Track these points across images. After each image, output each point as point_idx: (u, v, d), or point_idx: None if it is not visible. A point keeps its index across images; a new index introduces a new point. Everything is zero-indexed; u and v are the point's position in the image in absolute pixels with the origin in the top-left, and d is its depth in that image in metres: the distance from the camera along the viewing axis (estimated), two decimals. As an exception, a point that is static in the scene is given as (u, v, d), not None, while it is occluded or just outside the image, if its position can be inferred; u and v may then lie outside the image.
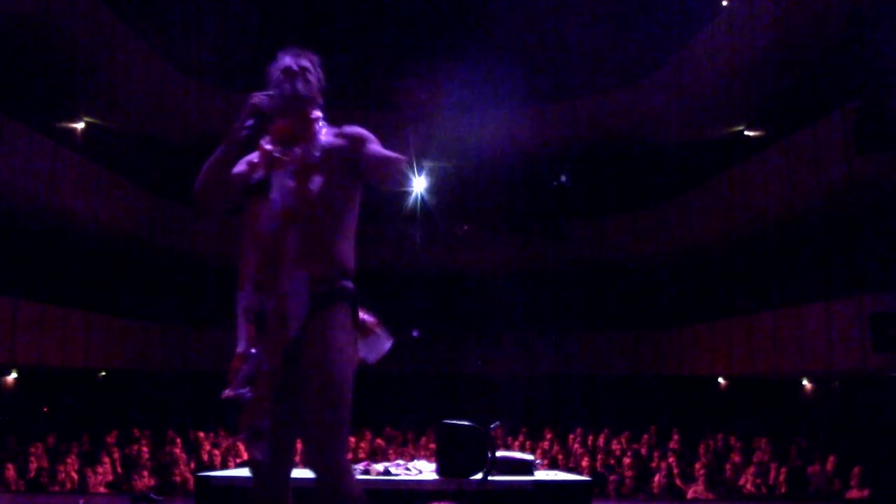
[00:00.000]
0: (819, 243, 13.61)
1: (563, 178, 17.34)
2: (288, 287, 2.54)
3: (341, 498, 2.46)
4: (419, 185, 14.97)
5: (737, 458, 11.62)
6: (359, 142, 2.72)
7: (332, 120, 3.21)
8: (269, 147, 2.73)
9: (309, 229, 2.60)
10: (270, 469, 2.57)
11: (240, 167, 2.77)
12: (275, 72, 2.76)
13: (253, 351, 2.57)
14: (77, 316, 14.15)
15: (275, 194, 2.62)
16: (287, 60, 2.76)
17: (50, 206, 12.93)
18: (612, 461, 12.43)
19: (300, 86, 2.72)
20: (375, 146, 2.72)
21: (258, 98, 2.66)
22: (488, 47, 16.86)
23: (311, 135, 2.73)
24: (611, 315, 18.08)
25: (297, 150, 2.69)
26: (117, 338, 15.45)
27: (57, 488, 10.42)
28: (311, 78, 2.78)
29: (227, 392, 2.54)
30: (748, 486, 10.82)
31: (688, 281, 17.08)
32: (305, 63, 2.78)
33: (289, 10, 17.59)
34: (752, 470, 11.00)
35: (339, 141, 2.74)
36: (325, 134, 2.76)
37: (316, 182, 2.63)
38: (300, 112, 2.73)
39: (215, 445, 12.48)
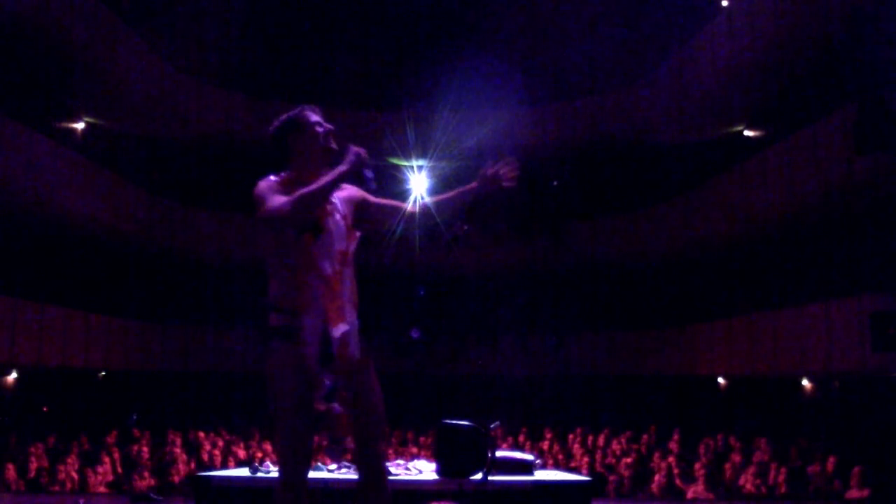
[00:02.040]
0: (819, 243, 13.59)
1: (563, 179, 17.34)
2: (350, 319, 3.01)
3: (383, 490, 3.00)
4: (419, 185, 14.97)
5: (737, 458, 11.61)
6: (366, 199, 3.19)
7: (332, 120, 3.25)
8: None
9: (351, 272, 3.08)
10: (299, 470, 2.96)
11: (281, 193, 2.99)
12: (315, 124, 3.08)
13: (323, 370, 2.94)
14: (77, 316, 14.14)
15: (333, 238, 3.01)
16: (321, 120, 3.12)
17: (50, 206, 12.91)
18: (612, 461, 12.42)
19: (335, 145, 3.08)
20: (378, 200, 3.25)
21: (364, 152, 3.00)
22: (488, 47, 16.85)
23: None
24: (611, 315, 18.06)
25: (337, 202, 3.07)
26: (117, 338, 15.44)
27: (57, 488, 10.42)
28: None
29: (318, 406, 2.91)
30: (748, 486, 10.81)
31: (688, 281, 17.06)
32: None
33: (288, 10, 17.58)
34: (752, 470, 10.99)
35: (347, 196, 3.16)
36: None
37: (353, 230, 3.11)
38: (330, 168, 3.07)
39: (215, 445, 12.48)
